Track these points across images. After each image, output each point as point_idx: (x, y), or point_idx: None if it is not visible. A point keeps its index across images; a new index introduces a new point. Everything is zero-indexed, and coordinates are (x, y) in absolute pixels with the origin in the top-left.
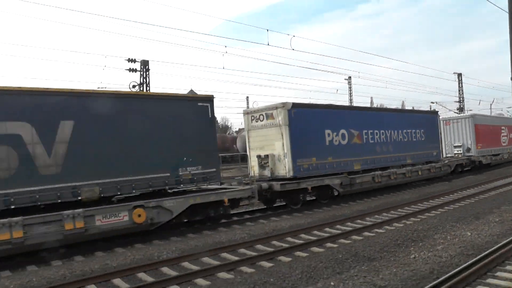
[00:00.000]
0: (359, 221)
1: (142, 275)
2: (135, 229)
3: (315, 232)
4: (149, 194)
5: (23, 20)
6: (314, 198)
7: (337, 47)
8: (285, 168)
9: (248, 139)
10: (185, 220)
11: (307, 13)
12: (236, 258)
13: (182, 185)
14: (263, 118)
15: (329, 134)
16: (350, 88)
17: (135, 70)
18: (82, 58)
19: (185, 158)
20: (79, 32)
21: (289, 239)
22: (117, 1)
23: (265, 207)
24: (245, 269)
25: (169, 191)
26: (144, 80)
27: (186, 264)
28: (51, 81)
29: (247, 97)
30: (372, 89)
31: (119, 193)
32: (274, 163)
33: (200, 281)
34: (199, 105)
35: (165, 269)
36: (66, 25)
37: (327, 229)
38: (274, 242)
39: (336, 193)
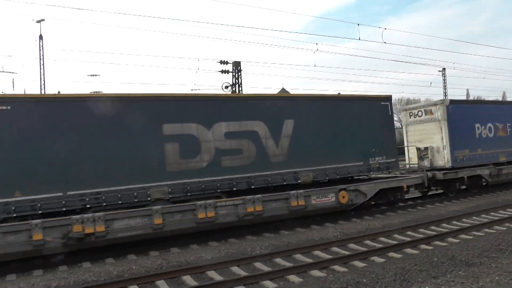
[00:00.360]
0: (455, 222)
1: (235, 269)
2: (338, 208)
3: (409, 232)
4: (335, 181)
5: (127, 32)
6: (465, 187)
7: (430, 37)
8: (444, 159)
9: (406, 133)
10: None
11: (398, 3)
12: (329, 257)
13: (371, 173)
14: (422, 114)
15: (478, 128)
16: (444, 80)
17: (227, 72)
18: (177, 62)
19: (373, 150)
20: (174, 39)
21: (382, 239)
22: (208, 6)
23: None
24: (337, 268)
25: (355, 178)
26: (236, 80)
27: (278, 260)
28: (150, 86)
29: (339, 93)
30: (468, 80)
31: (327, 178)
32: (433, 155)
33: (292, 277)
34: (382, 104)
35: (258, 264)
36: (162, 33)
37: (421, 230)
38: (367, 242)
39: (484, 183)
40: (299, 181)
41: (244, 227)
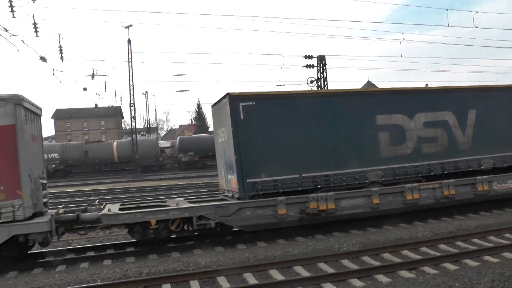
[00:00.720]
0: None
1: (322, 265)
2: None
3: (507, 235)
4: (498, 169)
5: (210, 32)
6: None
7: None
8: None
9: None
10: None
11: None
12: (418, 257)
13: None
14: None
15: None
16: None
17: (312, 66)
18: (263, 59)
19: None
20: (260, 36)
21: (476, 240)
22: (291, 1)
23: None
24: (427, 269)
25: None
26: (322, 75)
27: (366, 258)
28: (237, 83)
29: (426, 84)
30: None
31: (505, 165)
32: None
33: (380, 277)
34: None
35: (345, 262)
36: (247, 31)
37: None
38: (459, 243)
39: None
40: (481, 168)
41: (330, 223)
